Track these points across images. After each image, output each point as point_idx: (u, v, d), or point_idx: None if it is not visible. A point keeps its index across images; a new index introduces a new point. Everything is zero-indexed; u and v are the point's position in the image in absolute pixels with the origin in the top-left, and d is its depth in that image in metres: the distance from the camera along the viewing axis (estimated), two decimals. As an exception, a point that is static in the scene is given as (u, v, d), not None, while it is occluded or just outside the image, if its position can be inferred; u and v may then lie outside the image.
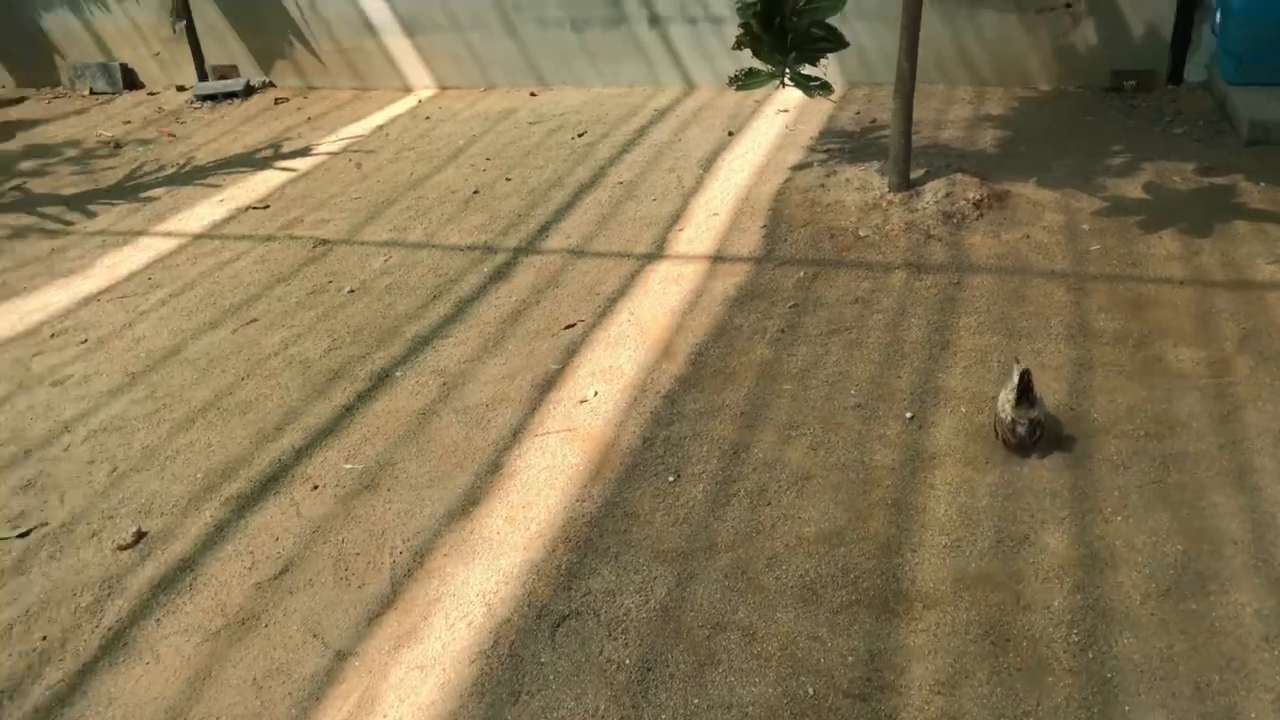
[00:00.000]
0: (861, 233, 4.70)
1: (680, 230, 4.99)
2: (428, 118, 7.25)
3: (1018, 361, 3.26)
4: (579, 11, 7.26)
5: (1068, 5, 6.27)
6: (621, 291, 4.46)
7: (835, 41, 5.03)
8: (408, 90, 7.94)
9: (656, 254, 4.78)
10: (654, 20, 7.12)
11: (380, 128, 7.15)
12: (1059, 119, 5.98)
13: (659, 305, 4.31)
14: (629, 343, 4.05)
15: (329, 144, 6.89)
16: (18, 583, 3.07)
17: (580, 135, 6.50)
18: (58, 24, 8.71)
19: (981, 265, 4.37)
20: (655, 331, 4.11)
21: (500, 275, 4.76)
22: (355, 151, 6.69)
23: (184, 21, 8.20)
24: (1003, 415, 3.21)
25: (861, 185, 5.07)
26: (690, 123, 6.53)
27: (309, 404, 3.85)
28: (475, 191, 5.78)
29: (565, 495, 3.23)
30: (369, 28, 7.81)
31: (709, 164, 5.77)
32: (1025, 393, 3.15)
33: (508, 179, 5.91)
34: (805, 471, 3.23)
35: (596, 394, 3.73)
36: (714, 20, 6.96)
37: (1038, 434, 3.20)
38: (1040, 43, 6.42)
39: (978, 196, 4.83)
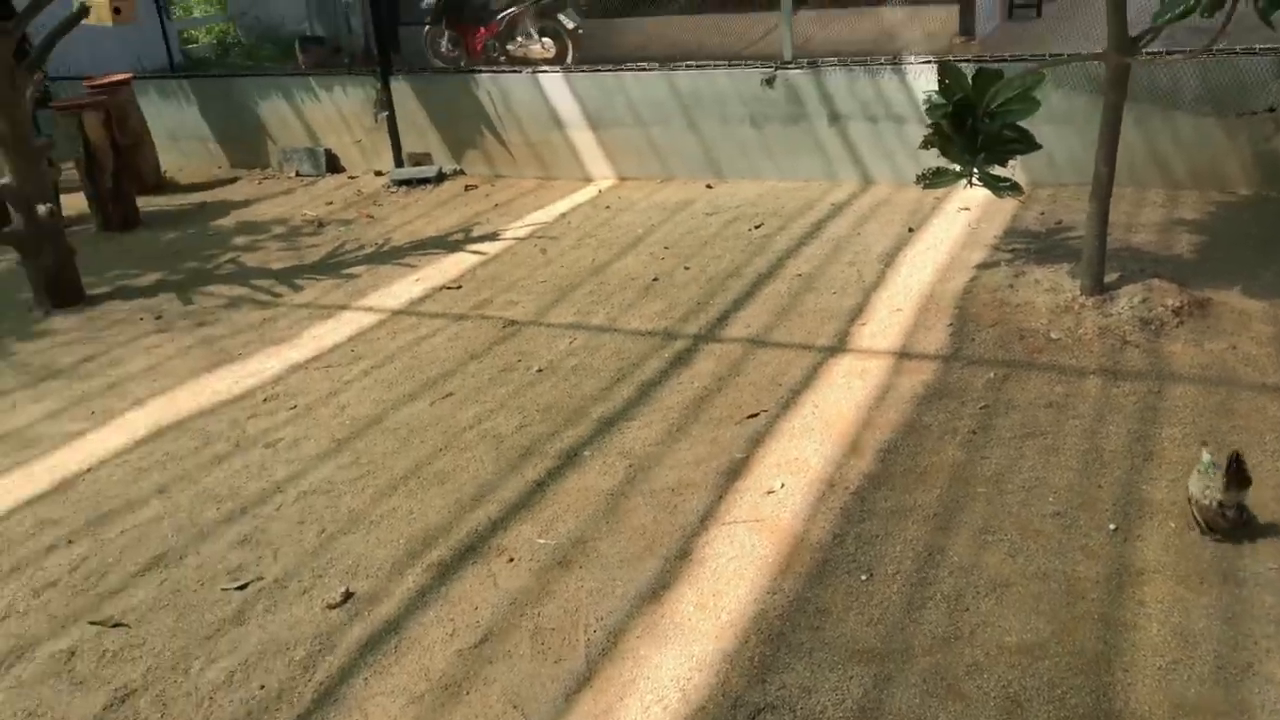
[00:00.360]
0: (1053, 335, 4.60)
1: (862, 324, 5.00)
2: (608, 207, 7.54)
3: (1205, 445, 3.31)
4: (759, 108, 7.46)
5: (1271, 110, 6.07)
6: (804, 383, 4.49)
7: (1027, 144, 5.02)
8: (588, 180, 8.28)
9: (838, 347, 4.80)
10: (834, 118, 7.25)
11: (563, 215, 7.46)
12: (1261, 225, 5.75)
13: (843, 399, 4.31)
14: (814, 435, 4.06)
15: (515, 229, 7.23)
16: (238, 632, 3.26)
17: (757, 227, 6.62)
18: (272, 111, 9.49)
19: (1184, 375, 4.21)
20: (840, 425, 4.11)
21: (681, 361, 4.86)
22: (540, 237, 6.99)
23: (386, 113, 8.81)
24: (1206, 501, 3.19)
25: (1052, 287, 4.98)
26: (868, 218, 6.57)
27: (502, 478, 4.00)
28: (655, 279, 5.95)
29: (755, 586, 3.23)
30: (556, 121, 8.22)
31: (889, 259, 5.79)
32: (1239, 474, 3.12)
33: (686, 267, 6.07)
34: (1004, 579, 3.14)
35: (783, 486, 3.74)
36: (895, 119, 7.04)
37: (1244, 517, 3.20)
38: (1240, 147, 6.23)
39: (1177, 303, 4.68)
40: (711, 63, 7.67)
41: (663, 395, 4.54)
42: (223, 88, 9.78)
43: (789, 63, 7.34)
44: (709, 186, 7.71)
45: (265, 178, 9.54)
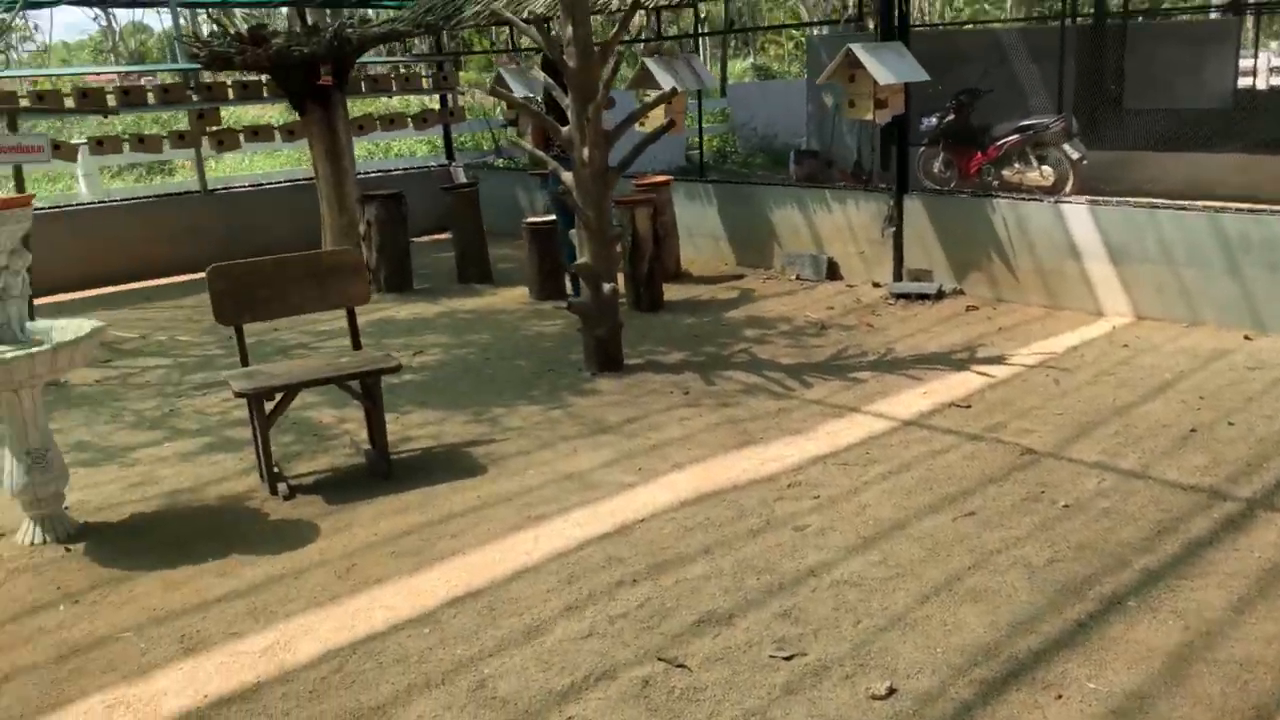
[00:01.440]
0: None
1: None
2: (1125, 345, 7.20)
3: None
4: (1322, 260, 6.79)
5: None
6: (1400, 577, 3.97)
7: None
8: (1099, 314, 7.98)
9: None
10: None
11: (1074, 348, 7.24)
12: None
13: None
14: None
15: (1022, 356, 7.14)
16: (788, 701, 3.49)
17: (1316, 391, 5.99)
18: (783, 218, 10.23)
19: None
20: None
21: (1234, 526, 4.50)
22: (1050, 367, 6.84)
23: (894, 228, 9.15)
24: None
25: None
26: None
27: (1040, 610, 3.93)
28: (1192, 430, 5.57)
29: (1358, 794, 2.89)
30: (1073, 251, 8.05)
31: None
32: None
33: (1230, 423, 5.62)
34: None
35: (1385, 688, 3.32)
36: None
37: None
38: None
39: None
40: (1268, 208, 7.12)
41: (1216, 558, 4.23)
42: (740, 193, 10.72)
43: (1368, 214, 6.62)
44: (1248, 338, 7.10)
45: (768, 277, 10.26)
